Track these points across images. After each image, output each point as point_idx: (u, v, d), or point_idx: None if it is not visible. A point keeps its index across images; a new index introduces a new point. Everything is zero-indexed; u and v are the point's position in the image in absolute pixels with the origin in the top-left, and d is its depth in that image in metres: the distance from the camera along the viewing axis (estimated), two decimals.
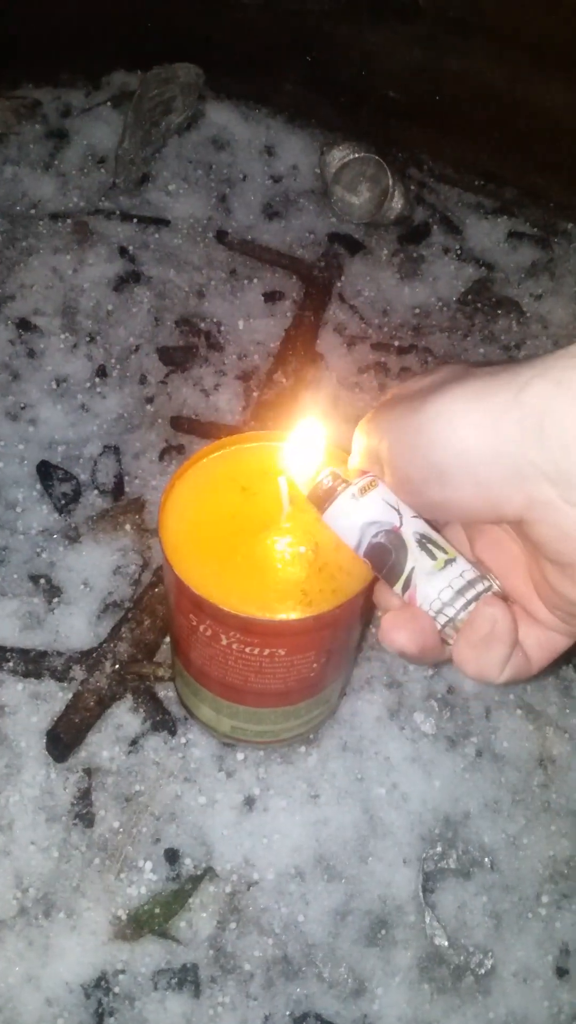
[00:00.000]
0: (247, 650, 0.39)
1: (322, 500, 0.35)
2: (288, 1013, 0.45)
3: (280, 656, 0.40)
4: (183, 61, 0.81)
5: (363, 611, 0.41)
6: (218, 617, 0.38)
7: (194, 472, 0.42)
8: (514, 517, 0.29)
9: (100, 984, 0.44)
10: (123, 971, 0.45)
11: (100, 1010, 0.44)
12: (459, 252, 0.80)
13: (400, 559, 0.34)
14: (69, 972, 0.44)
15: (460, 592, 0.33)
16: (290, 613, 0.38)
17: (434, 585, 0.34)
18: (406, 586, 0.34)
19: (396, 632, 0.34)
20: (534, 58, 0.73)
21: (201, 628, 0.39)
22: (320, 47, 0.80)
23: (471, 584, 0.33)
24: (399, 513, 0.34)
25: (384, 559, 0.34)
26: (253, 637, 0.38)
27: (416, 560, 0.34)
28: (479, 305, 0.76)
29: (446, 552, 0.34)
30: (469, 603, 0.33)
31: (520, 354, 0.74)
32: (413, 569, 0.34)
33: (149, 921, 0.46)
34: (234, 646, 0.39)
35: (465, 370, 0.30)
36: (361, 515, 0.34)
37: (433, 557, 0.34)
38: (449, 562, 0.34)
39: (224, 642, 0.39)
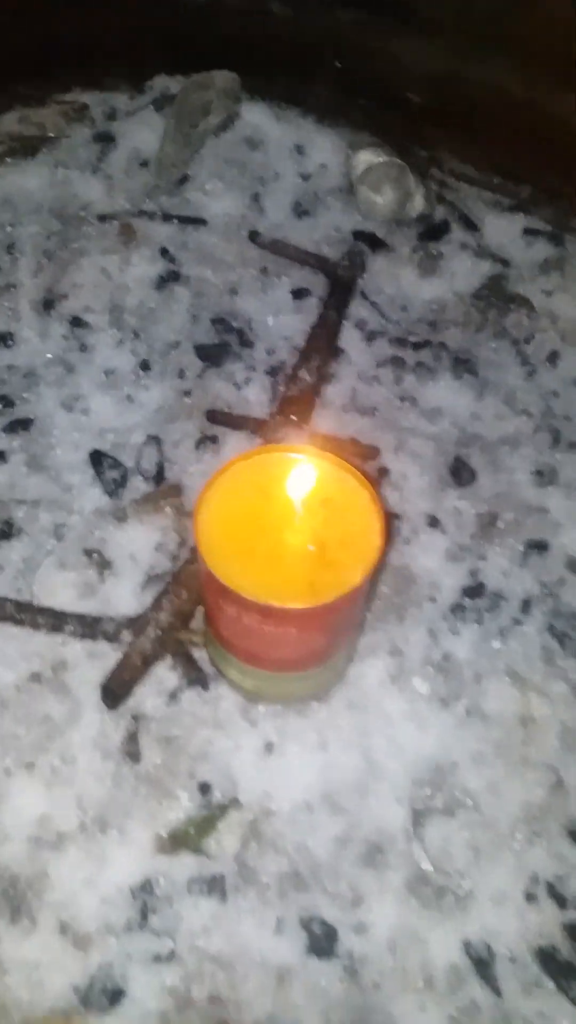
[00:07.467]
0: (265, 628, 0.48)
1: None
2: (297, 917, 0.53)
3: (292, 634, 0.48)
4: (220, 64, 0.86)
5: (363, 597, 0.50)
6: (241, 603, 0.46)
7: (224, 478, 0.50)
8: None
9: (145, 887, 0.53)
10: (164, 878, 0.53)
11: (145, 908, 0.53)
12: (476, 248, 0.85)
13: None
14: (120, 877, 0.53)
15: None
16: (300, 601, 0.46)
17: None
18: None
19: None
20: (551, 70, 0.77)
21: (228, 609, 0.48)
22: (349, 54, 0.85)
23: None
24: None
25: None
26: (270, 619, 0.47)
27: None
28: (492, 300, 0.82)
29: None
30: None
31: (529, 348, 0.80)
32: None
33: (185, 839, 0.55)
34: (254, 625, 0.48)
35: None
36: None
37: None
38: None
39: (246, 621, 0.48)
